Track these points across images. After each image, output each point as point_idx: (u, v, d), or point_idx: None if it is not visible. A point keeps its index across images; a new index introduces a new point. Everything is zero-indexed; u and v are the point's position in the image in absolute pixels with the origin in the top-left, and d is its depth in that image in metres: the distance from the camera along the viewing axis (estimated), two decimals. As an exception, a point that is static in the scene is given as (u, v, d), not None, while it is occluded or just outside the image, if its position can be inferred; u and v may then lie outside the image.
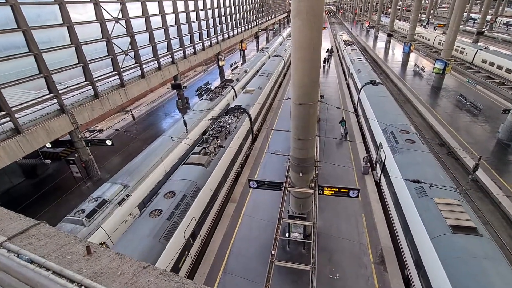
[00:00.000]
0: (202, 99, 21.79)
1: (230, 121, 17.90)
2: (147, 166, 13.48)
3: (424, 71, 33.59)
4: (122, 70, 19.26)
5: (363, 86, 21.82)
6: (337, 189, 10.01)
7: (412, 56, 40.60)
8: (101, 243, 10.22)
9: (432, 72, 28.57)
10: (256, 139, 21.30)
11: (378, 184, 14.95)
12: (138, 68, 21.42)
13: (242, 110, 19.42)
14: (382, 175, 14.05)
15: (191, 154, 13.80)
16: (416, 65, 35.65)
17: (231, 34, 39.69)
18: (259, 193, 14.95)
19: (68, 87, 15.58)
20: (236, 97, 24.52)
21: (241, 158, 17.55)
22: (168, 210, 10.28)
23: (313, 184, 10.04)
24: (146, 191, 12.77)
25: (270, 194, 14.55)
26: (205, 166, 12.94)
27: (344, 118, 21.45)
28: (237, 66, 43.45)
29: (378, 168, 15.04)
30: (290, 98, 8.38)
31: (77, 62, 16.07)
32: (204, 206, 11.82)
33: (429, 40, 43.86)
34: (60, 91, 15.11)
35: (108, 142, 16.10)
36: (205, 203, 11.95)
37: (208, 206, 12.15)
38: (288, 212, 11.54)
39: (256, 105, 21.01)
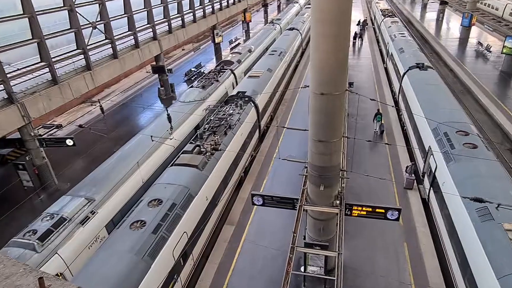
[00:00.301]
0: (192, 86, 22.08)
1: (231, 112, 18.04)
2: (118, 175, 13.66)
3: (490, 52, 33.13)
4: (88, 48, 19.58)
5: (407, 71, 21.80)
6: (370, 209, 9.94)
7: (474, 31, 40.10)
8: (57, 274, 10.30)
9: (502, 53, 28.25)
10: (264, 137, 21.58)
11: (426, 203, 14.88)
12: (110, 45, 21.72)
13: (246, 99, 19.48)
14: (431, 191, 13.97)
15: (182, 153, 14.12)
16: (479, 43, 35.11)
17: (231, 0, 39.90)
18: (266, 213, 15.03)
19: (18, 69, 15.84)
20: (237, 84, 24.81)
21: (245, 160, 17.76)
22: (154, 221, 10.53)
23: (338, 202, 9.97)
24: (117, 207, 12.93)
25: (280, 214, 14.60)
26: (199, 168, 13.23)
27: (381, 111, 21.44)
28: (239, 44, 43.68)
29: (426, 181, 14.97)
30: (308, 86, 8.29)
31: (30, 38, 16.37)
32: (198, 219, 12.13)
33: (497, 9, 43.22)
34: (8, 75, 15.39)
35: (69, 142, 16.31)
36: (199, 214, 12.24)
37: (204, 219, 12.44)
38: (304, 239, 11.45)
39: (264, 94, 21.23)
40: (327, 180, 9.48)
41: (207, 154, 14.17)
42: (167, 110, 15.75)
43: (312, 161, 9.40)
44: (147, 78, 35.58)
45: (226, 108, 18.60)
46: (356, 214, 10.16)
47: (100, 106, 23.80)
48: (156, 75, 31.20)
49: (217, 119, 17.21)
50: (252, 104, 19.57)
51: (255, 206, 15.42)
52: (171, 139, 15.93)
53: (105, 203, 12.54)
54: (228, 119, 17.19)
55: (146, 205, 11.17)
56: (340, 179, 10.39)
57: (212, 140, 15.25)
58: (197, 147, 14.56)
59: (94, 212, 12.07)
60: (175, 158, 14.25)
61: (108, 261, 9.35)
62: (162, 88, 30.15)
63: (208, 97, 20.88)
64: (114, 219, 12.68)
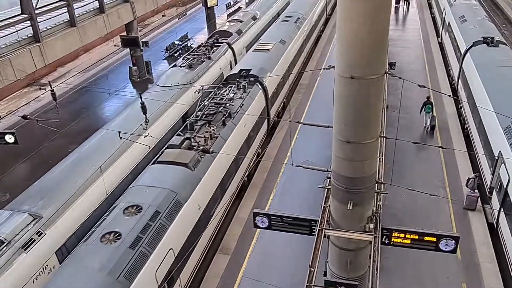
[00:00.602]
0: (175, 65, 22.22)
1: (231, 95, 18.21)
2: (74, 184, 13.74)
3: None
4: (37, 12, 19.67)
5: (470, 47, 21.74)
6: (416, 236, 9.91)
7: None
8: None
9: None
10: (274, 132, 21.73)
11: (493, 229, 14.81)
12: (65, 8, 21.81)
13: (252, 79, 19.63)
14: (502, 213, 13.87)
15: (167, 148, 14.50)
16: None
17: (230, -51, 39.93)
18: (272, 239, 15.02)
19: None
20: (236, 62, 24.90)
21: (249, 160, 17.92)
22: (131, 233, 10.86)
23: (371, 226, 9.91)
24: (72, 228, 12.99)
25: (292, 241, 14.53)
26: (189, 167, 13.54)
27: (431, 99, 21.41)
28: (239, 8, 43.51)
29: (494, 199, 14.88)
30: (333, 68, 8.21)
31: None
32: (189, 233, 12.47)
33: None
34: None
35: (9, 139, 16.37)
36: (189, 227, 12.60)
37: (195, 233, 12.80)
38: (325, 275, 11.38)
39: (276, 72, 21.31)
40: (358, 195, 9.38)
41: (200, 149, 14.49)
42: (141, 98, 15.79)
43: (337, 169, 9.36)
44: (115, 53, 35.76)
45: (225, 90, 18.73)
46: (397, 243, 10.13)
47: (52, 90, 23.85)
48: (127, 50, 31.30)
49: (213, 104, 17.39)
50: (260, 86, 19.68)
51: (258, 229, 15.42)
52: (146, 136, 15.97)
53: (56, 222, 12.60)
54: (228, 105, 17.35)
55: (121, 213, 11.49)
56: (376, 194, 10.27)
57: (207, 132, 15.48)
58: (187, 141, 14.84)
59: (41, 234, 12.11)
60: (158, 155, 14.43)
61: (72, 282, 9.65)
62: (135, 67, 30.25)
63: (196, 80, 20.99)
64: (68, 244, 12.71)
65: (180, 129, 16.17)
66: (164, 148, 14.76)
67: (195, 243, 12.62)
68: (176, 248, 11.85)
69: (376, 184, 10.00)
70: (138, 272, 10.35)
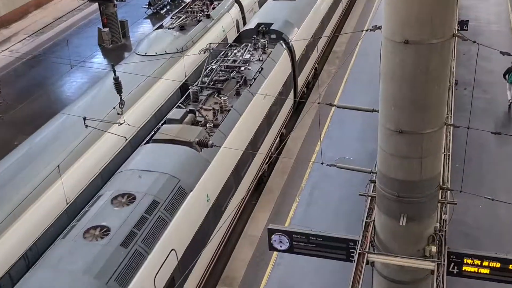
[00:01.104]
0: (161, 27, 22.34)
1: (247, 57, 18.79)
2: (22, 188, 13.82)
3: None
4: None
5: None
6: (498, 264, 9.90)
7: None
8: None
9: None
10: (301, 109, 22.26)
11: None
12: None
13: (274, 36, 20.23)
14: None
15: (165, 124, 15.26)
16: None
17: None
18: (295, 265, 15.02)
19: None
20: (245, 22, 25.00)
21: (271, 142, 18.64)
22: (123, 228, 11.37)
23: (434, 249, 9.90)
24: (19, 249, 13.04)
25: (322, 268, 14.55)
26: (195, 147, 14.18)
27: None
28: None
29: None
30: (380, 29, 8.23)
31: None
32: (195, 230, 13.12)
33: None
34: None
35: None
36: (196, 223, 13.26)
37: (203, 232, 13.51)
38: None
39: (305, 29, 21.84)
40: (414, 206, 9.34)
41: (207, 125, 15.11)
42: (114, 71, 15.79)
43: (385, 170, 9.31)
44: (78, 10, 35.91)
45: (239, 50, 19.22)
46: (470, 274, 10.13)
47: (-9, 61, 24.14)
48: (96, 5, 31.43)
49: (223, 68, 17.93)
50: (284, 46, 20.11)
51: (275, 252, 15.44)
52: (121, 124, 15.97)
53: (1, 237, 12.66)
54: (243, 69, 17.95)
55: (108, 203, 12.06)
56: (440, 205, 10.24)
57: (216, 103, 16.07)
58: (190, 114, 15.44)
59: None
60: (154, 131, 14.90)
61: (52, 286, 10.14)
62: (106, 29, 30.31)
63: (190, 47, 21.01)
64: (13, 272, 12.76)
65: (181, 100, 16.63)
66: (160, 123, 15.42)
67: (203, 244, 13.24)
68: (180, 249, 12.38)
69: (440, 191, 9.93)
70: (133, 276, 10.80)
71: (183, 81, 19.91)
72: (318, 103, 13.10)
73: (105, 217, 11.62)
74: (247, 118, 16.48)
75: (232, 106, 16.14)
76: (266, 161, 18.42)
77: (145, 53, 20.16)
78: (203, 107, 15.99)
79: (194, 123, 15.33)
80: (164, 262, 11.71)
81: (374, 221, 10.37)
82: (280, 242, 11.18)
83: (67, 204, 14.39)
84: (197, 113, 15.61)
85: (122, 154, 16.36)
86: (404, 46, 7.71)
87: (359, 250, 10.12)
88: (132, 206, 11.92)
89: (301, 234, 11.05)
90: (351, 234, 10.84)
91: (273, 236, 11.13)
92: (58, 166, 14.35)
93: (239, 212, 16.50)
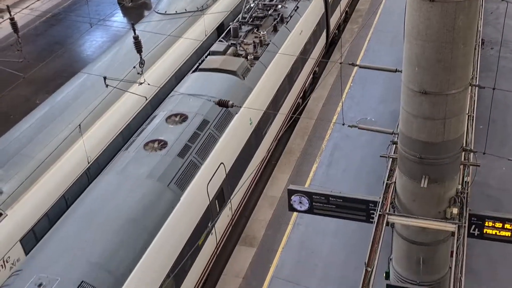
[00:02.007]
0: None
1: None
2: (44, 148, 13.99)
3: None
4: None
5: None
6: (520, 226, 9.91)
7: None
8: None
9: None
10: (332, 45, 23.16)
11: None
12: None
13: None
14: None
15: (209, 55, 16.78)
16: None
17: None
18: (314, 226, 15.18)
19: None
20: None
21: (305, 77, 20.22)
22: (178, 142, 13.17)
23: (455, 211, 9.89)
24: (42, 207, 13.30)
25: (342, 229, 14.70)
26: (238, 75, 15.76)
27: None
28: None
29: None
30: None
31: None
32: (240, 148, 14.93)
33: None
34: None
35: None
36: (241, 142, 15.04)
37: (247, 152, 15.28)
38: (387, 278, 11.58)
39: None
40: (436, 168, 9.29)
41: (249, 57, 16.81)
42: (134, 30, 15.73)
43: (408, 131, 9.23)
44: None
45: None
46: (491, 236, 10.12)
47: (11, 19, 24.06)
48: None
49: (261, 6, 19.36)
50: None
51: (295, 213, 15.61)
52: (142, 83, 16.01)
53: (20, 199, 12.89)
54: (280, 7, 19.29)
55: (164, 122, 13.87)
56: (462, 167, 10.19)
57: (256, 37, 17.49)
58: (232, 47, 17.05)
59: (1, 214, 12.42)
60: (199, 62, 16.27)
61: (120, 188, 11.83)
62: (126, -13, 30.10)
63: (211, 5, 20.85)
64: (37, 229, 13.06)
65: (222, 35, 18.11)
66: (205, 55, 16.88)
67: (247, 162, 15.24)
68: (228, 163, 14.14)
69: (463, 153, 9.90)
70: (189, 182, 12.58)
71: (204, 40, 19.78)
72: (340, 63, 12.96)
73: (162, 133, 13.35)
74: (285, 52, 17.57)
75: (270, 41, 17.45)
76: (304, 88, 19.71)
77: (165, 12, 20.02)
78: (243, 40, 17.34)
79: (236, 55, 16.76)
80: (214, 173, 13.40)
81: (395, 182, 10.36)
82: (300, 203, 11.24)
83: (88, 163, 14.59)
84: (238, 46, 17.09)
85: (142, 113, 16.43)
86: (430, 3, 7.56)
87: (379, 211, 10.15)
88: (185, 124, 13.64)
89: (321, 195, 11.07)
90: (372, 196, 10.83)
91: (293, 197, 11.17)
92: (80, 125, 14.47)
93: (260, 171, 16.90)
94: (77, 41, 26.98)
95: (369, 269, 9.50)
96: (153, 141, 13.13)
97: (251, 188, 16.08)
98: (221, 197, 13.89)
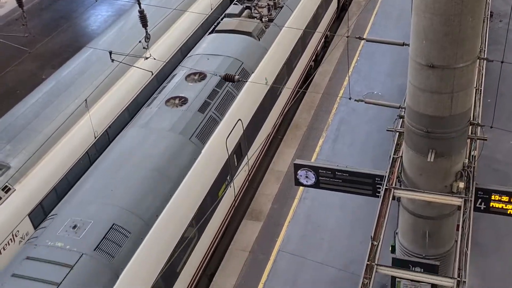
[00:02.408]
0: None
1: None
2: (51, 123, 14.07)
3: None
4: None
5: None
6: (526, 200, 9.88)
7: None
8: None
9: None
10: (344, 10, 23.40)
11: None
12: None
13: None
14: None
15: (224, 17, 17.68)
16: None
17: None
18: (320, 200, 15.24)
19: None
20: None
21: (317, 40, 20.86)
22: (198, 98, 14.04)
23: (462, 185, 9.86)
24: (50, 181, 13.40)
25: (348, 203, 14.74)
26: (254, 36, 16.47)
27: None
28: None
29: None
30: None
31: None
32: (256, 106, 15.77)
33: None
34: None
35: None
36: (257, 100, 15.81)
37: (262, 110, 16.15)
38: (393, 251, 11.66)
39: None
40: (443, 142, 9.27)
41: (263, 19, 17.62)
42: (139, 4, 15.63)
43: (414, 105, 9.18)
44: None
45: None
46: (497, 210, 10.11)
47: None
48: None
49: None
50: None
51: (301, 187, 15.66)
52: (148, 58, 15.97)
53: (28, 174, 12.99)
54: None
55: (183, 80, 14.72)
56: (469, 141, 10.17)
57: (270, 0, 18.28)
58: (247, 10, 17.91)
59: (9, 189, 12.51)
60: (215, 24, 17.07)
61: (144, 140, 12.71)
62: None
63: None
64: (45, 203, 13.18)
65: None
66: (220, 18, 17.72)
67: (262, 120, 16.21)
68: (245, 120, 15.04)
69: (470, 127, 9.87)
70: (209, 136, 13.50)
71: (209, 14, 19.64)
72: (347, 37, 12.85)
73: (182, 90, 14.20)
74: (298, 15, 18.46)
75: (284, 3, 18.27)
76: (316, 51, 20.03)
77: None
78: (258, 3, 18.06)
79: (251, 17, 17.52)
80: (232, 129, 14.30)
81: (401, 156, 10.36)
82: (306, 177, 11.26)
83: (95, 138, 14.63)
84: (253, 9, 17.86)
85: (148, 88, 16.41)
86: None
87: (386, 185, 10.17)
88: (204, 82, 14.44)
89: (327, 169, 11.08)
90: (378, 170, 10.85)
91: (299, 171, 11.19)
92: (86, 100, 14.48)
93: (266, 146, 17.00)
94: (82, 15, 26.86)
95: (375, 242, 9.56)
96: (174, 98, 13.97)
97: (266, 147, 16.94)
98: (239, 152, 14.83)
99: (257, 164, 16.25)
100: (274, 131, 17.11)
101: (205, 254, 13.32)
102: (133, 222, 10.81)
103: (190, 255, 12.40)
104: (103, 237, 10.20)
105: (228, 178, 14.12)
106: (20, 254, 10.23)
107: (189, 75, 14.70)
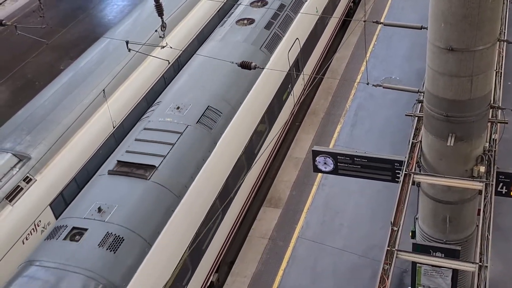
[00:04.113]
0: None
1: None
2: (70, 113, 14.13)
3: None
4: None
5: None
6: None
7: None
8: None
9: None
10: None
11: None
12: None
13: None
14: None
15: None
16: None
17: None
18: (339, 187, 15.24)
19: None
20: None
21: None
22: (263, 19, 16.81)
23: (482, 169, 9.78)
24: (70, 171, 13.52)
25: (367, 189, 14.73)
26: None
27: None
28: None
29: None
30: None
31: None
32: (310, 29, 18.53)
33: None
34: None
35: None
36: (310, 25, 18.48)
37: (314, 32, 18.81)
38: (413, 236, 11.66)
39: None
40: (463, 126, 9.21)
41: None
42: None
43: (434, 89, 9.12)
44: None
45: None
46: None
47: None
48: None
49: None
50: None
51: (320, 174, 15.62)
52: (164, 47, 15.98)
53: (49, 164, 13.11)
54: None
55: (248, 6, 17.48)
56: (490, 124, 10.08)
57: None
58: None
59: (30, 180, 12.63)
60: None
61: (222, 49, 15.43)
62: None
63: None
64: (66, 193, 13.30)
65: None
66: None
67: (315, 41, 19.04)
68: (301, 39, 17.75)
69: (491, 110, 9.77)
70: (275, 48, 16.26)
71: (225, 1, 19.57)
72: (364, 21, 12.74)
73: (248, 13, 17.00)
74: None
75: None
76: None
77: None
78: None
79: None
80: (292, 45, 17.03)
81: (420, 141, 10.33)
82: (325, 163, 11.26)
83: (113, 127, 14.67)
84: None
85: (165, 77, 16.44)
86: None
87: (405, 170, 10.12)
88: (267, 7, 17.15)
89: (345, 155, 11.09)
90: (397, 155, 10.81)
91: (317, 158, 11.20)
92: (104, 90, 14.53)
93: (284, 134, 16.93)
94: (98, 5, 26.95)
95: (395, 228, 9.54)
96: (242, 19, 16.70)
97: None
98: (297, 66, 17.50)
99: (309, 82, 18.57)
100: (284, 133, 17.20)
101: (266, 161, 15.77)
102: (223, 105, 13.86)
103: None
104: (202, 114, 13.22)
105: (289, 86, 16.92)
106: (137, 127, 13.31)
107: (252, 2, 17.48)
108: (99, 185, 11.57)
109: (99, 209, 10.59)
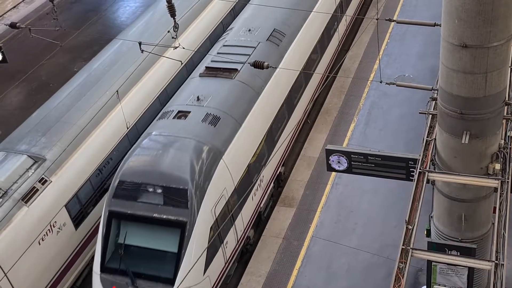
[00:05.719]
0: None
1: None
2: (84, 114, 14.22)
3: None
4: None
5: None
6: None
7: None
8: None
9: None
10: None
11: None
12: None
13: None
14: None
15: None
16: None
17: None
18: (353, 185, 15.23)
19: None
20: None
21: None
22: None
23: (498, 166, 9.76)
24: (85, 172, 13.63)
25: (381, 187, 14.69)
26: None
27: None
28: None
29: None
30: None
31: None
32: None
33: None
34: None
35: (-5, 56, 16.98)
36: None
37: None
38: (428, 235, 11.55)
39: None
40: (478, 124, 9.17)
41: None
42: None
43: (448, 86, 9.08)
44: None
45: None
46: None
47: (47, -13, 24.29)
48: None
49: None
50: None
51: (333, 173, 15.58)
52: (177, 47, 16.04)
53: (64, 166, 13.21)
54: None
55: None
56: (505, 121, 10.05)
57: None
58: None
59: (46, 181, 12.74)
60: None
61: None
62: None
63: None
64: (81, 194, 13.42)
65: None
66: None
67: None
68: None
69: (506, 107, 9.71)
70: None
71: (236, 1, 19.58)
72: (377, 19, 12.68)
73: None
74: None
75: None
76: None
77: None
78: None
79: None
80: None
81: (435, 139, 10.28)
82: (338, 162, 11.26)
83: (127, 128, 14.75)
84: None
85: (178, 78, 16.47)
86: None
87: (420, 169, 10.09)
88: None
89: (359, 154, 11.10)
90: (411, 153, 10.77)
91: (331, 157, 11.21)
92: (117, 91, 14.61)
93: (297, 133, 16.89)
94: (111, 7, 27.07)
95: (409, 227, 9.52)
96: None
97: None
98: (341, 8, 19.90)
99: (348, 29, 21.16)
100: (297, 132, 17.36)
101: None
102: (285, 29, 16.56)
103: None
104: (270, 35, 15.91)
105: (335, 23, 19.29)
106: (216, 45, 15.99)
107: None
108: (193, 84, 14.49)
109: (198, 98, 13.55)
